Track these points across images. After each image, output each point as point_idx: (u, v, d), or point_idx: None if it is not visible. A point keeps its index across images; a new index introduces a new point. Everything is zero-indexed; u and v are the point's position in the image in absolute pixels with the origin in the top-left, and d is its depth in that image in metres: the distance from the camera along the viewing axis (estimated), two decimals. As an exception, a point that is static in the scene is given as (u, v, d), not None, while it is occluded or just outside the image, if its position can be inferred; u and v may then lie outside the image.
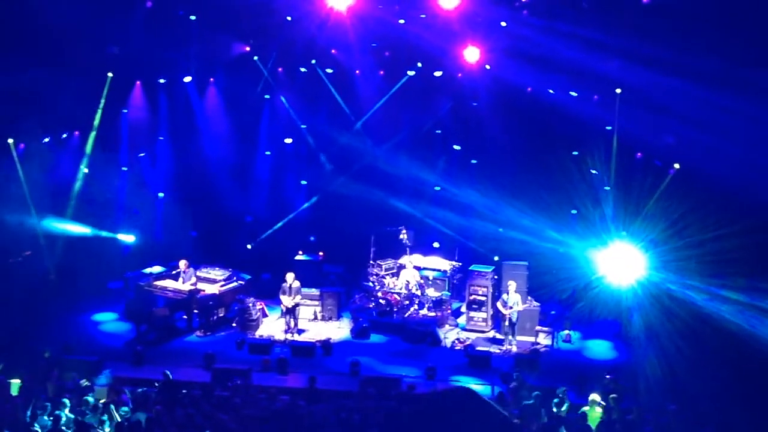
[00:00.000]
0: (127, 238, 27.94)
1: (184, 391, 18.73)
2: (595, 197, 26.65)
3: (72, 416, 16.64)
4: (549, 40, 25.39)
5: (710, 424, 17.37)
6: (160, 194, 29.44)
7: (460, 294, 26.43)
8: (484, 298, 24.92)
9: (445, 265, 26.72)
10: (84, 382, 18.77)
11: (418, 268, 26.14)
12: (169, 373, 19.19)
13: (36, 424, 16.24)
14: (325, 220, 29.17)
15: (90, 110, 26.98)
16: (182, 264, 25.14)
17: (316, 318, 25.54)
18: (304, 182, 29.95)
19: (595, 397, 18.39)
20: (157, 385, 19.05)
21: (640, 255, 24.44)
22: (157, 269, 26.00)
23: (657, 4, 24.13)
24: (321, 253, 27.93)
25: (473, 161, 29.07)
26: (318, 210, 29.59)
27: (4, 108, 23.77)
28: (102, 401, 17.46)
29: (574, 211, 27.15)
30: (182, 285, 24.80)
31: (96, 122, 27.12)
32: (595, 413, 17.88)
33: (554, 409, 17.90)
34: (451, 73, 28.11)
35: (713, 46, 22.44)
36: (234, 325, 24.71)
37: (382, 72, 29.01)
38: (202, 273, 25.39)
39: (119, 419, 16.72)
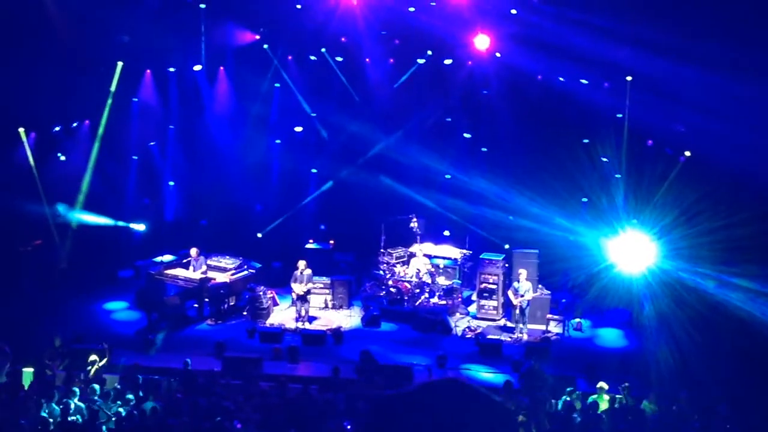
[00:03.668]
0: (138, 226, 27.97)
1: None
2: (606, 185, 26.62)
3: (82, 405, 16.69)
4: (559, 28, 25.38)
5: (721, 412, 17.35)
6: (171, 183, 29.48)
7: (471, 282, 26.40)
8: (494, 287, 24.89)
9: (456, 253, 26.69)
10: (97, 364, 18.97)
11: (428, 257, 26.10)
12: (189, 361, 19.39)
13: (46, 413, 16.28)
14: (335, 208, 29.19)
15: (100, 99, 26.97)
16: (193, 252, 25.14)
17: (326, 306, 25.54)
18: (314, 170, 29.93)
19: (603, 385, 18.36)
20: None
21: (651, 243, 24.39)
22: (167, 258, 26.01)
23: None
24: (331, 242, 27.92)
25: (483, 149, 29.02)
26: (328, 198, 29.57)
27: (15, 97, 23.80)
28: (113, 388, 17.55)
29: (584, 199, 27.12)
30: (193, 273, 24.81)
31: (106, 111, 27.11)
32: (603, 402, 17.87)
33: (567, 398, 17.88)
34: (461, 61, 28.08)
35: (724, 32, 22.37)
36: (245, 313, 24.73)
37: (392, 60, 28.99)
38: (213, 261, 25.39)
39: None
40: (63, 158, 26.96)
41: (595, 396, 18.01)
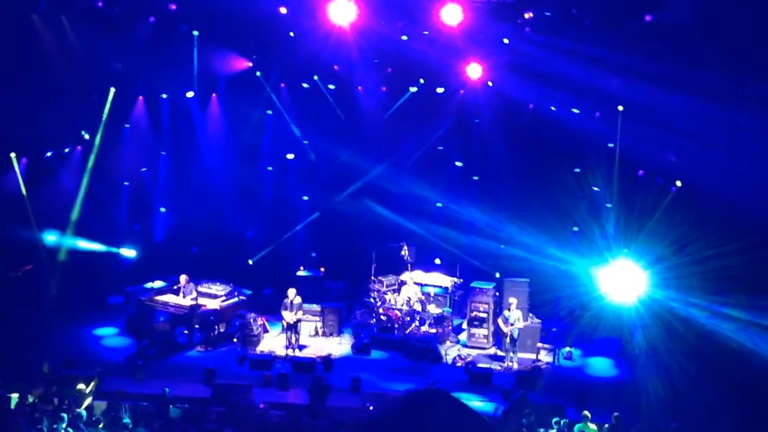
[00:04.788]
0: (129, 252, 27.93)
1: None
2: (597, 214, 26.63)
3: (71, 430, 16.59)
4: (551, 57, 25.45)
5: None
6: (162, 209, 29.45)
7: (462, 310, 26.35)
8: (485, 315, 24.86)
9: (447, 281, 26.65)
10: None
11: (419, 284, 26.07)
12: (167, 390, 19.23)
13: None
14: (326, 235, 29.15)
15: (92, 125, 26.96)
16: (183, 279, 25.06)
17: (317, 334, 25.48)
18: (305, 198, 29.93)
19: (586, 413, 18.33)
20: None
21: (642, 272, 24.38)
22: (158, 284, 25.98)
23: (659, 21, 24.16)
24: (322, 269, 27.89)
25: (475, 178, 29.06)
26: (319, 226, 29.54)
27: (6, 123, 23.78)
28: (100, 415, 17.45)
29: (575, 228, 27.11)
30: (183, 300, 24.73)
31: (98, 137, 27.09)
32: (590, 430, 17.82)
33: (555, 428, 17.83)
34: (453, 90, 28.15)
35: (715, 62, 22.46)
36: (235, 340, 24.66)
37: (384, 88, 29.03)
38: (203, 288, 25.33)
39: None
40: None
41: (580, 424, 17.97)
